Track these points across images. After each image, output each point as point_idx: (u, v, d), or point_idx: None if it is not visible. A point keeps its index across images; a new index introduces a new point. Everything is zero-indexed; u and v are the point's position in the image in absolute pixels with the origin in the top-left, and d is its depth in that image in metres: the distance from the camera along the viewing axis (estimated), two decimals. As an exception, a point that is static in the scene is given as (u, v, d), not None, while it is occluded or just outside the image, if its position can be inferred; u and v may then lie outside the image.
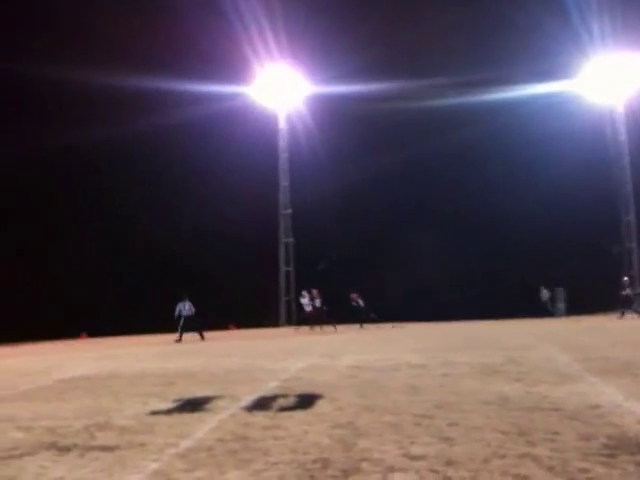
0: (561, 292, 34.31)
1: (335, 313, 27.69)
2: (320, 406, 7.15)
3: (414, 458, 4.72)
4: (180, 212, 32.62)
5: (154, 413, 7.26)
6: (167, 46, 31.34)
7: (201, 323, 23.50)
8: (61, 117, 30.48)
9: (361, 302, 28.96)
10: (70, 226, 32.74)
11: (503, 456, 4.65)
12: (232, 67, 32.89)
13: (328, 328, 26.66)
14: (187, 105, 31.13)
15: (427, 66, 31.06)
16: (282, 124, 36.75)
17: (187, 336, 23.42)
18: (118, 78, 29.58)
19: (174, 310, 23.29)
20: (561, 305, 34.35)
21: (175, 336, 22.85)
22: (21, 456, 5.43)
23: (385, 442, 5.26)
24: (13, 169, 30.68)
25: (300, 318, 27.54)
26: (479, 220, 32.87)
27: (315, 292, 27.14)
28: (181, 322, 22.78)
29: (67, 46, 30.07)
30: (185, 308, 23.06)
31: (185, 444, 5.56)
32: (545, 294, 32.62)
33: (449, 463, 4.53)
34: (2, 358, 18.33)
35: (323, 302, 27.23)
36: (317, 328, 26.48)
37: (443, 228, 32.23)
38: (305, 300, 27.26)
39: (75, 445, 5.76)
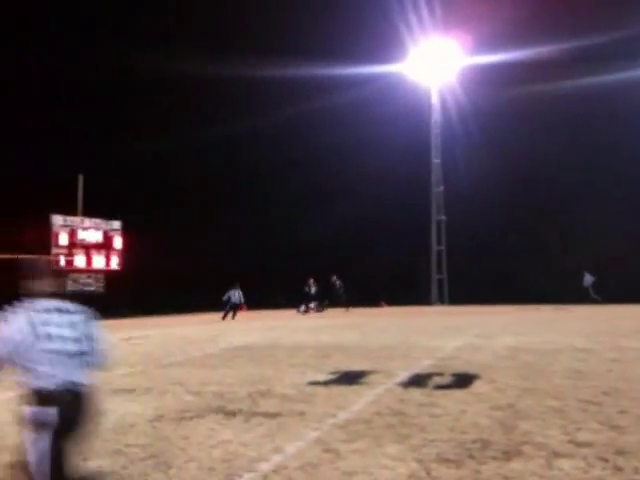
0: None
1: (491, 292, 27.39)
2: (477, 386, 7.02)
3: (581, 445, 4.51)
4: (336, 191, 33.19)
5: (312, 383, 7.53)
6: (322, 33, 31.68)
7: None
8: (230, 107, 32.56)
9: (314, 289, 28.83)
10: (230, 209, 35.00)
11: (682, 449, 4.32)
12: (385, 46, 32.60)
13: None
14: (342, 88, 31.41)
15: (588, 31, 28.54)
16: (435, 99, 35.96)
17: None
18: (276, 68, 30.57)
19: (224, 294, 25.17)
20: None
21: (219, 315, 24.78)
22: (192, 418, 5.87)
23: (548, 426, 5.06)
24: (190, 156, 33.35)
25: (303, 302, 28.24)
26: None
27: (311, 281, 28.61)
28: (228, 306, 24.71)
29: (228, 43, 31.57)
30: (235, 295, 25.14)
31: (343, 415, 5.71)
32: (588, 279, 28.17)
33: (619, 452, 4.29)
34: (172, 327, 19.84)
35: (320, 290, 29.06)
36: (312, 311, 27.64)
37: (613, 206, 29.72)
38: (306, 288, 28.59)
39: (240, 410, 6.12)
